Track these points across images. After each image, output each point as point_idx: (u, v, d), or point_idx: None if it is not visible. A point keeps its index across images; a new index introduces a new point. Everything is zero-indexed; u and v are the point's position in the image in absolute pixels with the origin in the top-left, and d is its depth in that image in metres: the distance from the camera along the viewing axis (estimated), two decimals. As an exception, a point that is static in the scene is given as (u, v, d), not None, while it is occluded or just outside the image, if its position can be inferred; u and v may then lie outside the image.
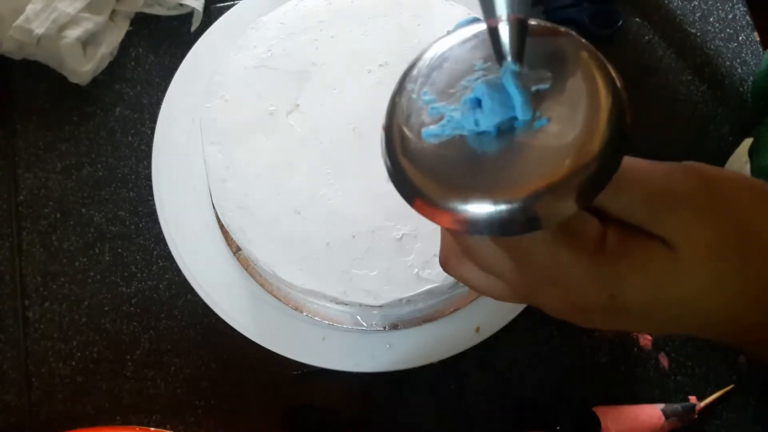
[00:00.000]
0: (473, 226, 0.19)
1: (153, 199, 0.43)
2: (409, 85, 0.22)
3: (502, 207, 0.19)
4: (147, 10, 0.50)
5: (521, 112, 0.19)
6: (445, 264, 0.25)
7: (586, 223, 0.20)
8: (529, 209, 0.18)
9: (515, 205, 0.18)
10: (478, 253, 0.23)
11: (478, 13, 0.20)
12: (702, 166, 0.21)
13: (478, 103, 0.20)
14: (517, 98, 0.19)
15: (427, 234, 0.35)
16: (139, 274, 0.47)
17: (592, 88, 0.19)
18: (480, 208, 0.19)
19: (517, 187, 0.19)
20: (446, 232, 0.25)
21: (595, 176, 0.18)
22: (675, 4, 0.54)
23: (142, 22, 0.51)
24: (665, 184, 0.20)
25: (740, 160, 0.47)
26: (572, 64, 0.19)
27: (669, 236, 0.20)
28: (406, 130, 0.21)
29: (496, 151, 0.20)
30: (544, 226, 0.19)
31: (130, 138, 0.49)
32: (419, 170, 0.21)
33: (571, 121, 0.19)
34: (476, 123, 0.20)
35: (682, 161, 0.21)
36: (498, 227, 0.19)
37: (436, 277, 0.35)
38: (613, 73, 0.19)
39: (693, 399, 0.45)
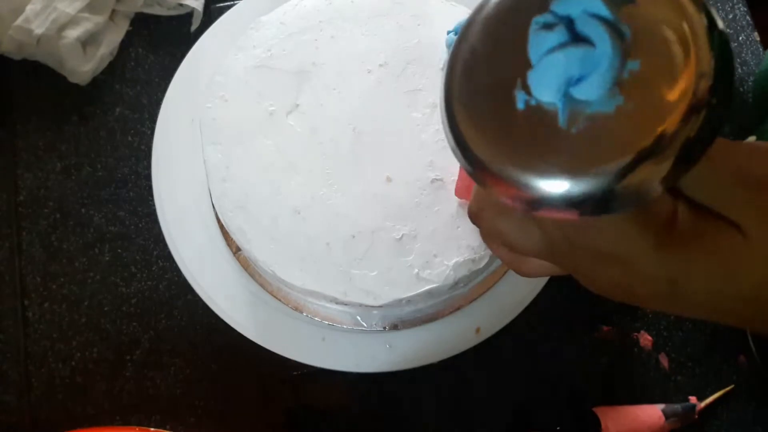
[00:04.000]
0: (541, 203, 0.17)
1: (153, 199, 0.43)
2: None
3: (589, 179, 0.16)
4: (147, 10, 0.50)
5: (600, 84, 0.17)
6: (476, 216, 0.23)
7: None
8: (620, 182, 0.16)
9: (605, 178, 0.16)
10: (511, 238, 0.21)
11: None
12: None
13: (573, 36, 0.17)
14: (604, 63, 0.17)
15: (427, 234, 0.35)
16: (139, 275, 0.47)
17: (688, 22, 0.16)
18: (556, 185, 0.17)
19: (609, 152, 0.16)
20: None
21: (704, 129, 0.16)
22: (675, 4, 0.54)
23: (142, 22, 0.51)
24: (747, 164, 0.18)
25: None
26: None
27: (744, 222, 0.18)
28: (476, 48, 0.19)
29: (571, 106, 0.17)
30: (637, 204, 0.17)
31: (130, 138, 0.49)
32: (479, 128, 0.19)
33: (666, 64, 0.16)
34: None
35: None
36: (575, 205, 0.17)
37: (436, 277, 0.35)
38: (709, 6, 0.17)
39: (693, 399, 0.45)
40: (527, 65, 0.18)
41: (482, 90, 0.20)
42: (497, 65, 0.19)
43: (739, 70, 0.53)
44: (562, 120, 0.17)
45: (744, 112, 0.51)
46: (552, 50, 0.18)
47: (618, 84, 0.17)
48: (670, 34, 0.16)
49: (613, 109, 0.17)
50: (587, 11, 0.17)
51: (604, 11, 0.17)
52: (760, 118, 0.49)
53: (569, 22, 0.18)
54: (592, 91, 0.17)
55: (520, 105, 0.18)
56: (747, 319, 0.20)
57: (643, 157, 0.16)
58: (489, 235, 0.25)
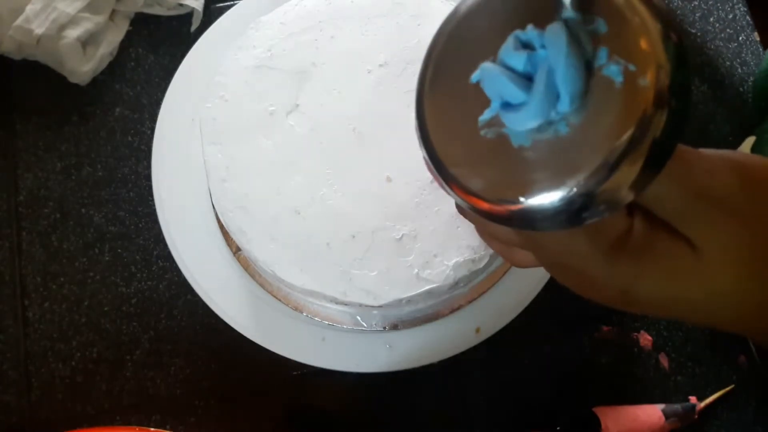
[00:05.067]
0: (503, 218, 0.18)
1: (153, 199, 0.43)
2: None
3: (559, 194, 0.17)
4: (147, 10, 0.50)
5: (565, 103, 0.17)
6: (464, 211, 0.25)
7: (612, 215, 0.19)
8: (596, 189, 0.17)
9: (579, 188, 0.17)
10: (491, 229, 0.23)
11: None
12: (750, 163, 0.20)
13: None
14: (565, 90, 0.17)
15: (427, 234, 0.35)
16: (139, 274, 0.47)
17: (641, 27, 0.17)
18: (539, 199, 0.17)
19: (583, 161, 0.17)
20: None
21: (667, 130, 0.16)
22: (675, 4, 0.54)
23: (142, 22, 0.51)
24: (705, 181, 0.19)
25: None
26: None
27: (696, 239, 0.19)
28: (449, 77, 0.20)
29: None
30: (606, 213, 0.17)
31: (130, 138, 0.49)
32: (454, 152, 0.19)
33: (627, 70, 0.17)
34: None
35: (727, 150, 0.20)
36: (544, 219, 0.18)
37: (436, 277, 0.35)
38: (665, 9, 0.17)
39: (693, 399, 0.45)
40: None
41: (452, 96, 0.20)
42: (467, 74, 0.20)
43: (739, 70, 0.53)
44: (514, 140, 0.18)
45: (744, 112, 0.51)
46: (501, 67, 0.18)
47: (581, 97, 0.17)
48: (632, 41, 0.17)
49: (581, 121, 0.17)
50: (547, 46, 0.18)
51: (561, 47, 0.17)
52: (759, 118, 0.49)
53: (531, 52, 0.18)
54: (515, 122, 0.18)
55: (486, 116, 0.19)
56: (706, 323, 0.21)
57: (615, 162, 0.17)
58: (480, 229, 0.26)
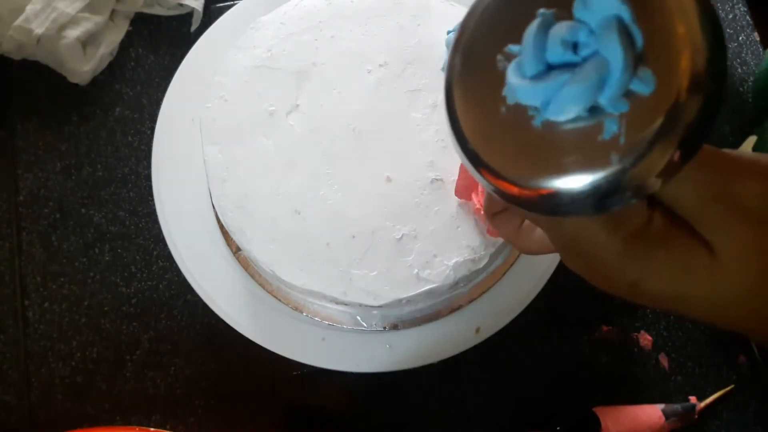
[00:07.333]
0: (529, 203, 0.18)
1: (153, 199, 0.43)
2: None
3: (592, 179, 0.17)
4: (147, 10, 0.50)
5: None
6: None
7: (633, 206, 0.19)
8: (625, 175, 0.16)
9: (609, 172, 0.17)
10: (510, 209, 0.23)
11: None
12: None
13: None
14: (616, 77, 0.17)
15: (427, 234, 0.35)
16: (138, 274, 0.47)
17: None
18: (567, 182, 0.17)
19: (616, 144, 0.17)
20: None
21: (701, 115, 0.16)
22: (675, 4, 0.54)
23: (142, 22, 0.51)
24: (727, 184, 0.19)
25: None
26: None
27: (715, 242, 0.19)
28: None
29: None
30: (632, 199, 0.17)
31: (130, 138, 0.49)
32: (479, 130, 0.19)
33: (666, 49, 0.16)
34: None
35: (756, 153, 0.20)
36: (573, 203, 0.17)
37: (436, 277, 0.35)
38: None
39: (693, 399, 0.45)
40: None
41: (481, 85, 0.20)
42: (495, 63, 0.19)
43: (739, 70, 0.53)
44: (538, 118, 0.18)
45: (744, 112, 0.51)
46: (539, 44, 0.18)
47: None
48: (670, 23, 0.16)
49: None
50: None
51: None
52: (759, 118, 0.49)
53: (571, 53, 0.18)
54: (518, 90, 0.18)
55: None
56: (711, 322, 0.21)
57: (649, 145, 0.16)
58: (491, 199, 0.26)
